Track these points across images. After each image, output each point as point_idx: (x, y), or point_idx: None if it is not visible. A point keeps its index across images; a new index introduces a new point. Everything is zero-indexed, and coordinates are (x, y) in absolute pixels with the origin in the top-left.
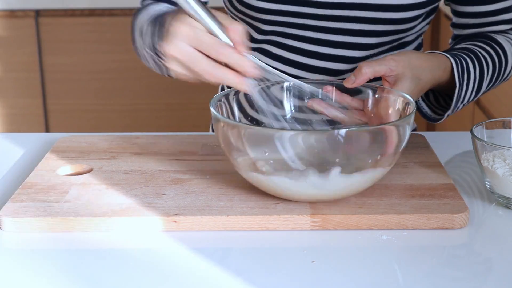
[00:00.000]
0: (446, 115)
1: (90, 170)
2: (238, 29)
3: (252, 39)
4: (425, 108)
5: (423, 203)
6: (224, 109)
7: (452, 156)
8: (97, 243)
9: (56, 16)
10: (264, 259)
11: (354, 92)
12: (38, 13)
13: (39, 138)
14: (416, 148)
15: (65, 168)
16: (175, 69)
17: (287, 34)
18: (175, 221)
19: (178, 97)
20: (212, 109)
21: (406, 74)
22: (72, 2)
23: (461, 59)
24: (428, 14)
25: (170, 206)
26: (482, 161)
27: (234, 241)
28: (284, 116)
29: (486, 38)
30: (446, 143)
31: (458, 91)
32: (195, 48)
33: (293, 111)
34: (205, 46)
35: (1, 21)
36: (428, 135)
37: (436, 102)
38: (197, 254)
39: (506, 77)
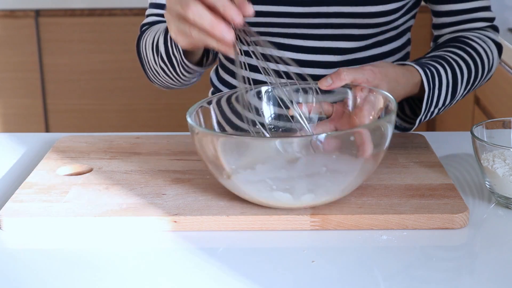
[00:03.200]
0: (418, 120)
1: (90, 170)
2: None
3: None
4: (397, 120)
5: (423, 203)
6: (202, 118)
7: (452, 156)
8: (97, 243)
9: (56, 16)
10: (264, 259)
11: (331, 92)
12: (38, 13)
13: (39, 138)
14: (416, 148)
15: (65, 168)
16: (170, 5)
17: (272, 33)
18: (175, 221)
19: (178, 97)
20: (188, 119)
21: (381, 87)
22: (72, 2)
23: (431, 67)
24: (410, 8)
25: (170, 206)
26: (482, 161)
27: (234, 241)
28: (262, 123)
29: (459, 43)
30: (446, 143)
31: (428, 97)
32: None
33: (273, 116)
34: None
35: (1, 21)
36: (428, 135)
37: (413, 114)
38: (197, 254)
39: (487, 75)
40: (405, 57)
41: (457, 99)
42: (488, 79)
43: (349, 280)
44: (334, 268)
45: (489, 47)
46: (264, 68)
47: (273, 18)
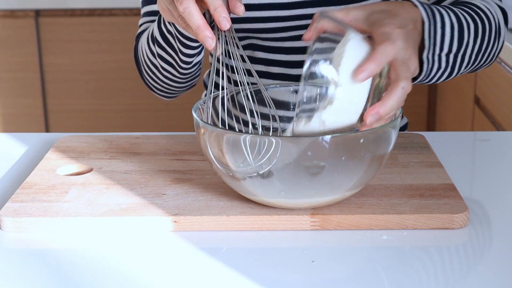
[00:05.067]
0: (425, 66)
1: (90, 170)
2: None
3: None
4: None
5: (423, 203)
6: (207, 115)
7: (452, 156)
8: (97, 243)
9: (56, 16)
10: (264, 259)
11: None
12: (38, 13)
13: (39, 138)
14: (416, 148)
15: (65, 168)
16: None
17: (260, 38)
18: (175, 221)
19: (178, 97)
20: (194, 115)
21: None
22: (72, 2)
23: (429, 6)
24: None
25: (170, 206)
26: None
27: (234, 241)
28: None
29: (460, 4)
30: (446, 143)
31: (429, 31)
32: None
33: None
34: None
35: (1, 21)
36: (428, 135)
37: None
38: (197, 254)
39: (496, 39)
40: None
41: (467, 54)
42: (498, 49)
43: (349, 280)
44: (334, 268)
45: (492, 8)
46: (243, 69)
47: (259, 24)
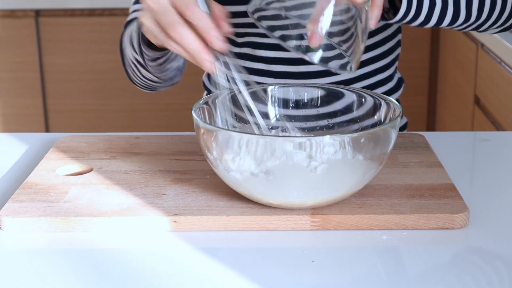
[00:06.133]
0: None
1: (90, 170)
2: (222, 8)
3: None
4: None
5: (423, 203)
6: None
7: (452, 156)
8: (97, 243)
9: (56, 16)
10: (264, 259)
11: (337, 97)
12: (38, 13)
13: (39, 138)
14: (416, 148)
15: (65, 168)
16: (146, 23)
17: (258, 34)
18: (175, 221)
19: (178, 97)
20: (194, 115)
21: None
22: (72, 2)
23: None
24: None
25: (170, 206)
26: None
27: (234, 241)
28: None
29: None
30: (446, 143)
31: None
32: (171, 2)
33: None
34: (180, 2)
35: (1, 21)
36: (428, 135)
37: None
38: (197, 254)
39: None
40: (397, 45)
41: None
42: None
43: (349, 280)
44: (334, 268)
45: None
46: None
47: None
